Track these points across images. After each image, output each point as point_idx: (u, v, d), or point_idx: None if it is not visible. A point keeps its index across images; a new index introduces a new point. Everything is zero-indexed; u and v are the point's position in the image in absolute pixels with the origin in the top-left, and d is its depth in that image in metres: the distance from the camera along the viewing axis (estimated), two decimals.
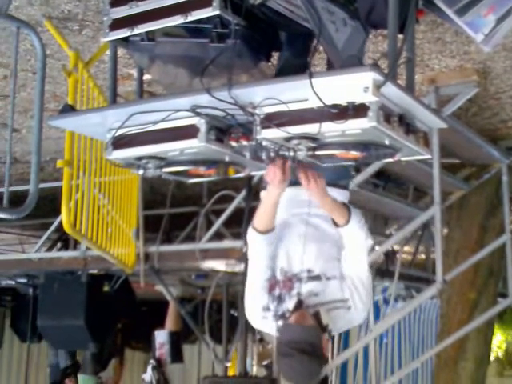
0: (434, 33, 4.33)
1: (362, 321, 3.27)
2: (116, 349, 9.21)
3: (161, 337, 8.31)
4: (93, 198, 4.91)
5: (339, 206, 3.07)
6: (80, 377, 8.45)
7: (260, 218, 3.14)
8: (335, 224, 3.09)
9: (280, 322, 3.03)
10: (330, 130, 2.50)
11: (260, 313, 3.13)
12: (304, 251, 3.11)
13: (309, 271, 3.07)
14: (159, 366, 8.07)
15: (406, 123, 2.60)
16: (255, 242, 3.17)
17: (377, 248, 5.65)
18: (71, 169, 4.54)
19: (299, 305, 3.01)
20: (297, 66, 2.98)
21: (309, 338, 2.90)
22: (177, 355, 8.31)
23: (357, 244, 3.11)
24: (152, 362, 8.16)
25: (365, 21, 2.93)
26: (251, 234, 3.16)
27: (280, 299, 3.07)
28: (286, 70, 3.06)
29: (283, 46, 3.21)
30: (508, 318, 14.26)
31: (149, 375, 8.08)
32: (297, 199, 3.22)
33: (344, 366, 7.00)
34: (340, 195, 3.23)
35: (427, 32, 4.31)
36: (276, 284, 3.11)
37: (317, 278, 3.06)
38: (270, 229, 3.13)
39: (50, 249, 8.17)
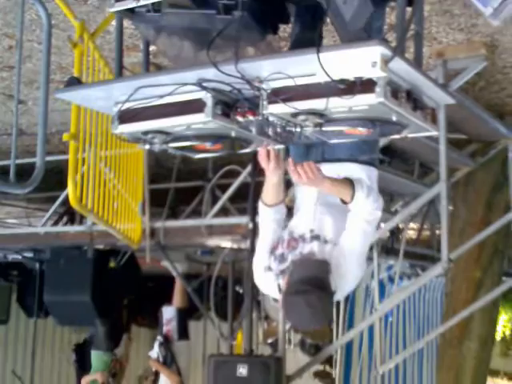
0: (442, 5, 4.27)
1: (347, 292, 3.20)
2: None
3: (168, 313, 8.31)
4: (99, 171, 4.89)
5: (342, 186, 2.98)
6: (93, 353, 8.43)
7: (266, 194, 3.19)
8: (343, 202, 3.02)
9: (281, 281, 3.02)
10: (337, 105, 2.49)
11: (262, 273, 3.13)
12: (314, 213, 3.11)
13: (311, 231, 3.07)
14: (166, 343, 8.09)
15: (413, 99, 2.58)
16: (263, 212, 3.22)
17: (382, 225, 5.61)
18: (77, 142, 4.52)
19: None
20: (308, 40, 2.92)
21: (322, 274, 2.90)
22: (183, 332, 8.31)
23: (357, 217, 3.02)
24: (159, 338, 8.16)
25: None
26: (260, 205, 3.22)
27: (282, 258, 3.07)
28: (298, 45, 3.02)
29: (293, 20, 3.19)
30: None
31: (155, 352, 8.09)
32: None
33: (349, 346, 7.00)
34: (362, 171, 3.19)
35: (435, 4, 4.25)
36: (279, 244, 3.13)
37: (316, 237, 3.06)
38: (278, 202, 3.18)
39: (56, 223, 8.18)
